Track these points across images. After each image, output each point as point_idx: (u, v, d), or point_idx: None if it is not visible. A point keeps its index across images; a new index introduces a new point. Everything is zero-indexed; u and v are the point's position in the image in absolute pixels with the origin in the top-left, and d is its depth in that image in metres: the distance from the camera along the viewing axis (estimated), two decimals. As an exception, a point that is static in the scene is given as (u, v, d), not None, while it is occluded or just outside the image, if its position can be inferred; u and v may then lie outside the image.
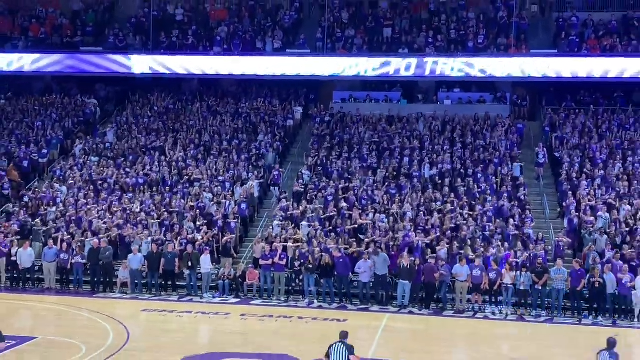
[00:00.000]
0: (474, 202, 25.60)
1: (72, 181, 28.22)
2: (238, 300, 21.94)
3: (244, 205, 26.05)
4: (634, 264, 21.38)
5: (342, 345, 12.08)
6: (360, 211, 25.13)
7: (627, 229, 23.49)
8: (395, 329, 18.69)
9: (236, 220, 25.17)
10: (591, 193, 25.50)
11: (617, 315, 20.72)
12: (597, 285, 20.65)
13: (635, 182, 26.27)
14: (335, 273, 21.97)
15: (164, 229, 24.42)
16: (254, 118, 32.79)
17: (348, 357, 12.19)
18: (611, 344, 11.11)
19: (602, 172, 26.97)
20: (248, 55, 32.56)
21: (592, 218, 23.95)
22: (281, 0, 35.34)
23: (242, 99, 34.35)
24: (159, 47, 33.23)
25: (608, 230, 23.37)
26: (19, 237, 24.27)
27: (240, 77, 33.30)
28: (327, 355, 12.21)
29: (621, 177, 26.63)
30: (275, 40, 33.05)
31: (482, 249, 22.39)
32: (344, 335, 11.98)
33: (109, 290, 22.71)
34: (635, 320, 20.39)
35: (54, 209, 26.09)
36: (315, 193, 26.64)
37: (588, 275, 20.95)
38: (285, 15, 34.51)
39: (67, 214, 25.66)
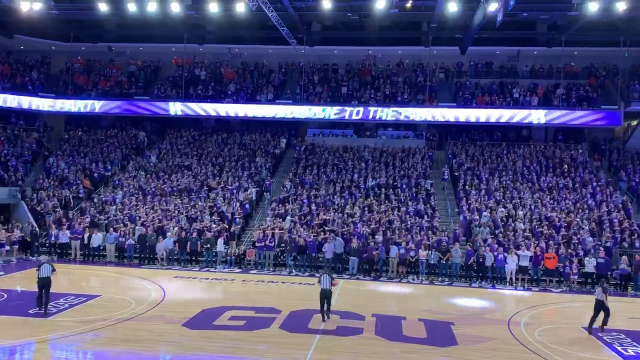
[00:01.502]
0: (400, 205, 25.76)
1: (126, 189, 27.87)
2: (240, 270, 21.74)
3: (246, 206, 25.89)
4: (505, 246, 21.72)
5: (327, 275, 13.29)
6: (325, 210, 25.16)
7: (502, 223, 23.83)
8: (348, 290, 18.65)
9: (240, 216, 25.00)
10: (478, 199, 25.83)
11: (495, 281, 20.92)
12: (481, 260, 20.92)
13: (507, 192, 26.70)
14: (307, 252, 21.96)
15: (191, 221, 24.19)
16: (253, 146, 32.65)
17: (331, 282, 14.20)
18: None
19: (485, 185, 27.35)
20: (249, 103, 32.46)
21: (478, 216, 24.25)
22: (273, 67, 35.32)
23: (245, 133, 34.19)
24: (188, 96, 32.99)
25: (489, 224, 23.70)
26: (88, 226, 23.88)
27: (244, 119, 33.11)
28: (319, 281, 13.47)
29: (498, 189, 27.03)
30: (268, 93, 32.97)
31: (406, 236, 22.57)
32: (328, 269, 13.06)
33: (151, 264, 22.40)
34: (507, 284, 20.67)
35: (113, 207, 25.72)
36: (294, 198, 26.61)
37: (475, 254, 21.20)
38: (275, 77, 34.49)
39: (124, 211, 25.32)
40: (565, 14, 26.35)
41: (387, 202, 26.03)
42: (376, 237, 22.39)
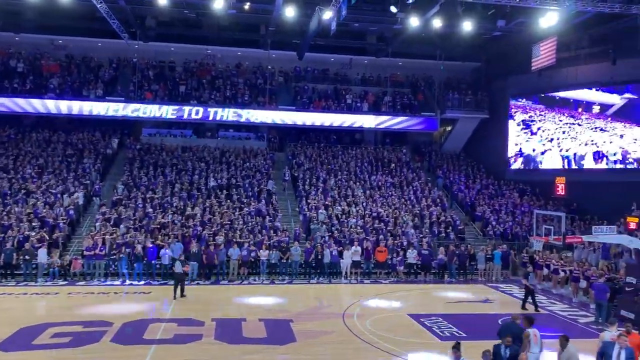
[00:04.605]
0: (242, 205, 25.67)
1: None
2: (66, 282, 19.72)
3: (71, 212, 23.61)
4: (341, 241, 22.82)
5: (179, 261, 15.99)
6: (162, 213, 24.05)
7: (337, 221, 25.02)
8: (187, 296, 17.90)
9: (65, 222, 22.73)
10: (316, 198, 26.81)
11: (331, 276, 21.76)
12: (319, 257, 21.71)
13: (343, 191, 28.12)
14: (144, 259, 20.76)
15: (5, 229, 21.28)
16: (81, 146, 29.96)
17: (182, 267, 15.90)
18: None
19: (323, 185, 28.50)
20: (76, 99, 29.64)
21: (316, 214, 25.17)
22: (102, 61, 32.81)
23: (71, 131, 31.22)
24: (3, 91, 29.09)
25: (326, 221, 24.72)
26: None
27: (69, 116, 30.12)
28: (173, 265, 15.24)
29: (334, 188, 28.35)
30: (97, 89, 30.48)
31: (248, 236, 22.54)
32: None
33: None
34: (342, 278, 21.68)
35: None
36: (128, 201, 24.99)
37: (314, 251, 21.94)
38: (105, 72, 32.08)
39: None
40: (391, 27, 28.55)
41: (228, 202, 25.74)
42: (217, 238, 21.99)
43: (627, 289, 15.77)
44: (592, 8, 22.08)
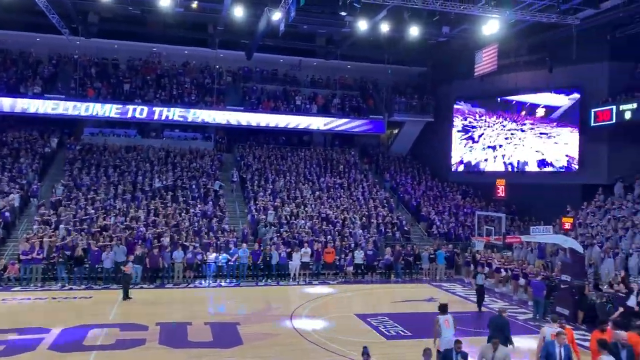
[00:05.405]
0: (188, 207, 25.21)
1: None
2: (0, 288, 18.76)
3: (6, 214, 22.46)
4: (290, 243, 22.80)
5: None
6: (105, 215, 23.28)
7: (285, 222, 24.99)
8: (130, 301, 17.35)
9: (-1, 225, 21.64)
10: (265, 200, 26.68)
11: (280, 278, 21.74)
12: (268, 259, 21.63)
13: (292, 192, 28.11)
14: (86, 262, 20.02)
15: None
16: (17, 145, 28.55)
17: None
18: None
19: (272, 186, 28.40)
20: (11, 96, 28.19)
21: (264, 216, 25.05)
22: (41, 57, 31.43)
23: (6, 130, 29.69)
24: None
25: (275, 223, 24.64)
26: None
27: (3, 113, 28.61)
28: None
29: (283, 190, 28.29)
30: (35, 86, 29.14)
31: (194, 238, 22.17)
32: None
33: None
34: (291, 280, 21.68)
35: None
36: (68, 202, 24.05)
37: (263, 253, 21.84)
38: (44, 69, 30.74)
39: None
40: (340, 30, 28.81)
41: (174, 204, 25.21)
42: (162, 240, 21.49)
43: (562, 286, 16.53)
44: (531, 17, 23.07)
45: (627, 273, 17.30)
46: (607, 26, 24.12)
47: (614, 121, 24.32)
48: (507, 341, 10.42)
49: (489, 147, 30.74)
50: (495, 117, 30.62)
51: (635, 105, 23.31)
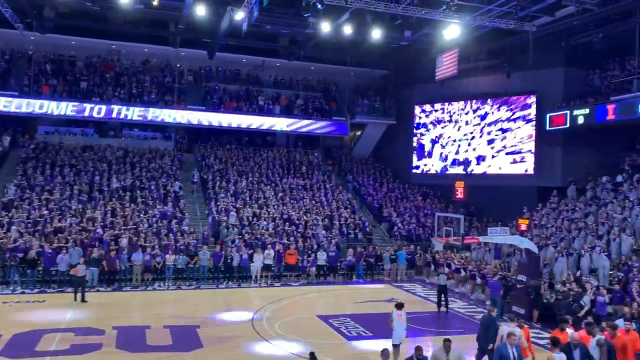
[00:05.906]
0: (147, 208, 24.72)
1: None
2: (-55, 292, 17.97)
3: (-47, 214, 21.53)
4: (252, 244, 22.62)
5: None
6: (60, 216, 22.57)
7: (247, 223, 24.80)
8: (85, 304, 16.84)
9: (-54, 227, 20.67)
10: (226, 201, 26.42)
11: (241, 280, 21.55)
12: (229, 261, 21.41)
13: (254, 193, 27.91)
14: (40, 265, 19.35)
15: None
16: (-36, 144, 27.47)
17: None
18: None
19: (234, 187, 28.14)
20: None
21: (226, 217, 24.80)
22: (-8, 52, 30.34)
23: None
24: None
25: (236, 224, 24.42)
26: None
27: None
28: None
29: (245, 190, 28.08)
30: (-14, 83, 28.06)
31: (153, 240, 21.74)
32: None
33: None
34: (252, 282, 21.52)
35: None
36: (21, 203, 23.20)
37: (224, 255, 21.61)
38: (-4, 64, 29.69)
39: None
40: (303, 31, 28.77)
41: (132, 205, 24.66)
42: (120, 242, 20.98)
43: (518, 286, 16.98)
44: (490, 23, 23.65)
45: (580, 273, 17.92)
46: (562, 33, 24.94)
47: (567, 126, 25.16)
48: (487, 340, 10.67)
49: (448, 149, 31.33)
50: (454, 120, 31.24)
51: (587, 111, 24.19)
